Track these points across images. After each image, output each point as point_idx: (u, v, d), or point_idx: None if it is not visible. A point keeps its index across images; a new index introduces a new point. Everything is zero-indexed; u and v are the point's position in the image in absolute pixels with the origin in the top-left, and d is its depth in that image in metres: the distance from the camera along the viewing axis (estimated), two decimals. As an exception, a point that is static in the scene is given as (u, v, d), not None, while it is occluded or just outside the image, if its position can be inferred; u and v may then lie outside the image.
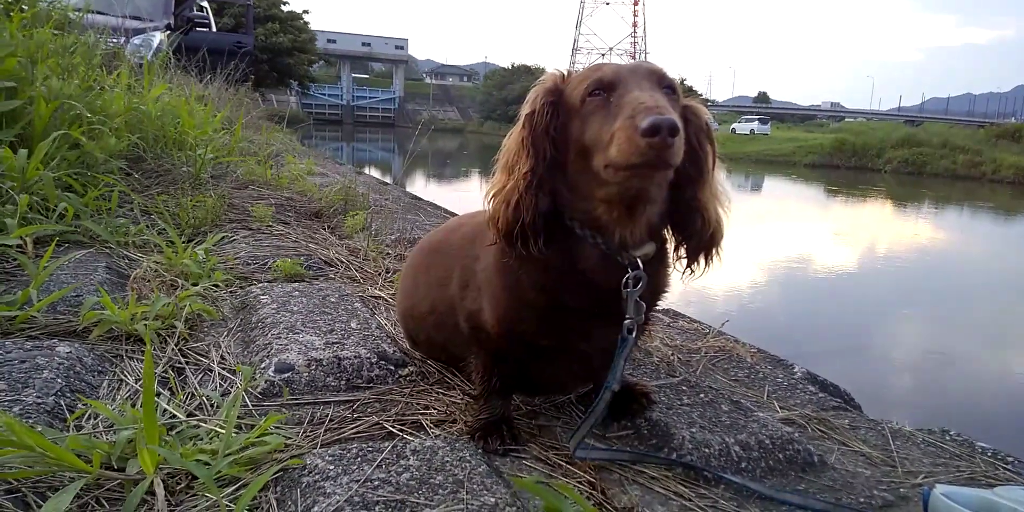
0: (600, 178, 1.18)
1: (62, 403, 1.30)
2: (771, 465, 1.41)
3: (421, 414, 1.50)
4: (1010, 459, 1.60)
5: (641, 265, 1.27)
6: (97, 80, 3.72)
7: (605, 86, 1.18)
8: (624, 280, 1.27)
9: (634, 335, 1.32)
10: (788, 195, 19.91)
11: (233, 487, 1.12)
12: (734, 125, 54.69)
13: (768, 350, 2.31)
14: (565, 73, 1.32)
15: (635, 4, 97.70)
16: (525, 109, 1.28)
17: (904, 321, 6.05)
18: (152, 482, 1.04)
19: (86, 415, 1.31)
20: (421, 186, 14.60)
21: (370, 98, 78.36)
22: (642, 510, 1.20)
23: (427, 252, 1.70)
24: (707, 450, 1.38)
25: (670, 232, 1.36)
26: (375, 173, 11.85)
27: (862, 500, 1.34)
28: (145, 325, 1.73)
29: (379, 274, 2.60)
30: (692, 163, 1.25)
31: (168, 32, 7.55)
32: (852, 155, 29.92)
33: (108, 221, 2.61)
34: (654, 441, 1.45)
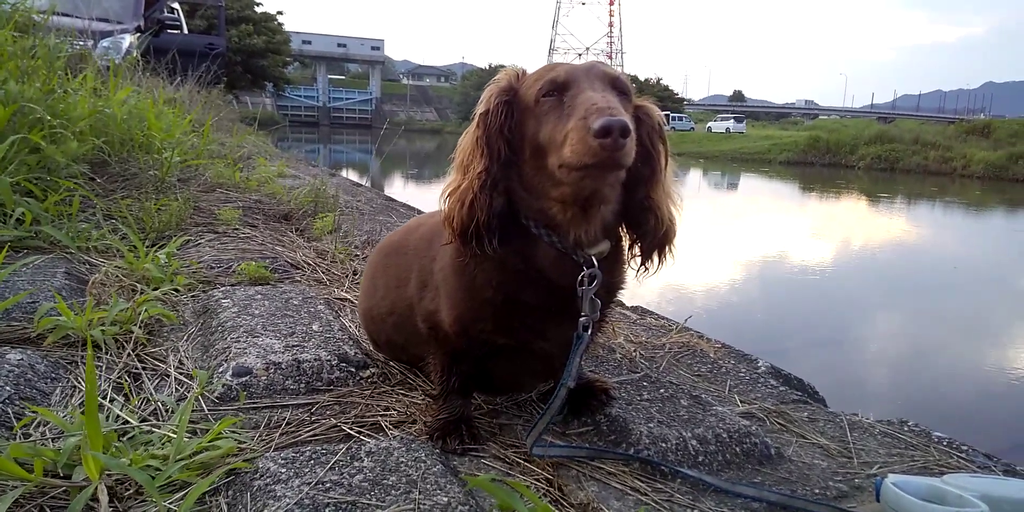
0: (555, 178, 1.19)
1: (9, 411, 1.28)
2: (728, 458, 1.42)
3: (381, 416, 1.49)
4: (964, 448, 1.63)
5: (596, 263, 1.28)
6: (60, 83, 3.66)
7: (559, 86, 1.19)
8: (579, 278, 1.28)
9: (589, 332, 1.32)
10: (763, 192, 20.11)
11: (183, 492, 1.10)
12: (710, 124, 55.15)
13: (741, 346, 2.32)
14: (520, 72, 1.32)
15: (611, 4, 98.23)
16: (480, 108, 1.28)
17: (874, 316, 6.13)
18: (96, 489, 1.02)
19: (35, 423, 1.29)
20: (398, 187, 14.55)
21: (346, 99, 77.93)
22: (598, 506, 1.21)
23: (386, 253, 1.70)
24: (664, 444, 1.39)
25: (624, 230, 1.37)
26: (352, 175, 11.80)
27: (817, 491, 1.36)
28: (102, 331, 1.70)
29: (346, 276, 2.58)
30: (645, 163, 1.27)
31: (138, 34, 7.45)
32: (826, 152, 30.26)
33: (69, 226, 2.57)
34: (613, 437, 1.45)
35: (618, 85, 1.22)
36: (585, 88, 1.16)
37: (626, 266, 1.41)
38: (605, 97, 1.13)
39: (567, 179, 1.16)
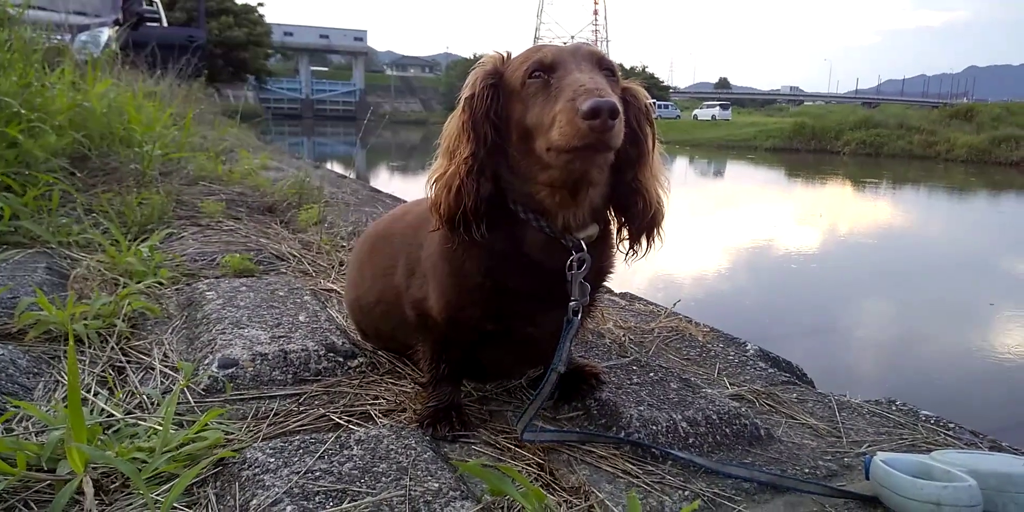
0: (543, 161, 1.17)
1: (-10, 406, 1.26)
2: (718, 440, 1.42)
3: (370, 405, 1.48)
4: (951, 425, 1.64)
5: (585, 247, 1.27)
6: (37, 77, 3.60)
7: (545, 68, 1.17)
8: (568, 262, 1.27)
9: (579, 317, 1.32)
10: (749, 179, 20.18)
11: (170, 484, 1.09)
12: (696, 111, 55.18)
13: (730, 331, 2.33)
14: (505, 55, 1.31)
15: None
16: (465, 92, 1.26)
17: (860, 301, 6.17)
18: (81, 482, 1.01)
19: (17, 418, 1.27)
20: (384, 179, 14.47)
21: (330, 91, 77.26)
22: (589, 489, 1.21)
23: (372, 241, 1.68)
24: (655, 427, 1.39)
25: (612, 214, 1.36)
26: (336, 167, 11.72)
27: (807, 471, 1.37)
28: (84, 325, 1.68)
29: (332, 267, 2.57)
30: (633, 145, 1.26)
31: (116, 27, 7.34)
32: (811, 138, 30.32)
33: (49, 221, 2.53)
34: (603, 421, 1.45)
35: (604, 65, 1.21)
36: (572, 69, 1.15)
37: (614, 250, 1.40)
38: (593, 78, 1.12)
39: (555, 162, 1.15)
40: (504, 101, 1.24)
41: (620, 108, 1.06)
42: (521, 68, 1.20)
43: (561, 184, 1.21)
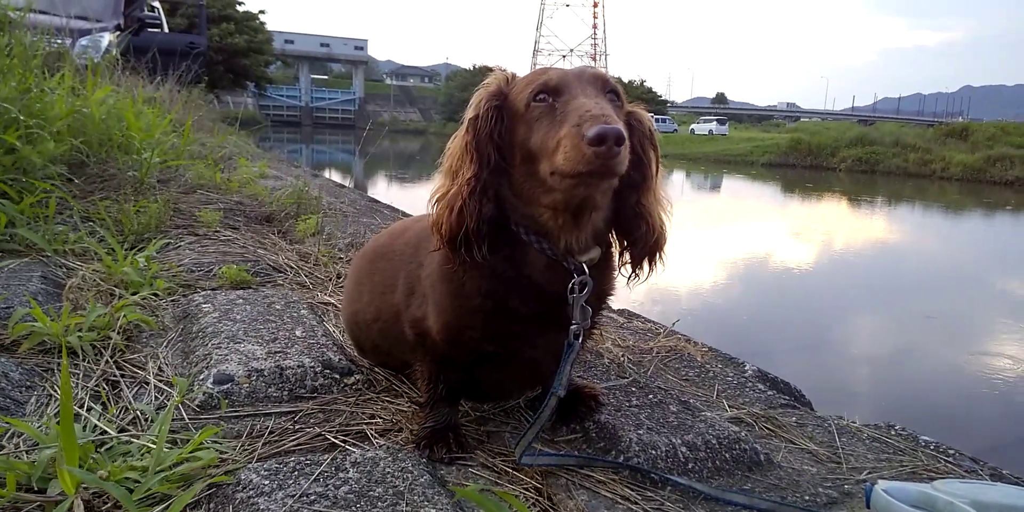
0: (546, 184, 1.17)
1: (-19, 422, 1.24)
2: (718, 465, 1.41)
3: (366, 424, 1.47)
4: (951, 452, 1.63)
5: (587, 270, 1.26)
6: (36, 82, 3.59)
7: (550, 91, 1.17)
8: (570, 285, 1.26)
9: (580, 340, 1.31)
10: (746, 195, 20.24)
11: (163, 505, 1.07)
12: (693, 126, 55.41)
13: (726, 348, 2.32)
14: (510, 76, 1.30)
15: (595, 6, 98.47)
16: (469, 113, 1.25)
17: (858, 318, 6.18)
18: (72, 504, 0.99)
19: (8, 433, 1.25)
20: (382, 189, 14.46)
21: (329, 99, 77.53)
22: (588, 515, 1.19)
23: (371, 258, 1.67)
24: (654, 451, 1.38)
25: (615, 236, 1.35)
26: (334, 176, 11.70)
27: (807, 498, 1.35)
28: (79, 337, 1.66)
29: (329, 279, 2.55)
30: (636, 169, 1.25)
31: (117, 33, 7.35)
32: (807, 154, 30.48)
33: (45, 229, 2.51)
34: (602, 444, 1.44)
35: (609, 88, 1.21)
36: (578, 93, 1.14)
37: (616, 273, 1.40)
38: (599, 103, 1.11)
39: (559, 186, 1.14)
40: (508, 123, 1.23)
41: (625, 135, 1.05)
42: (526, 90, 1.20)
43: (564, 207, 1.20)
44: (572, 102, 1.12)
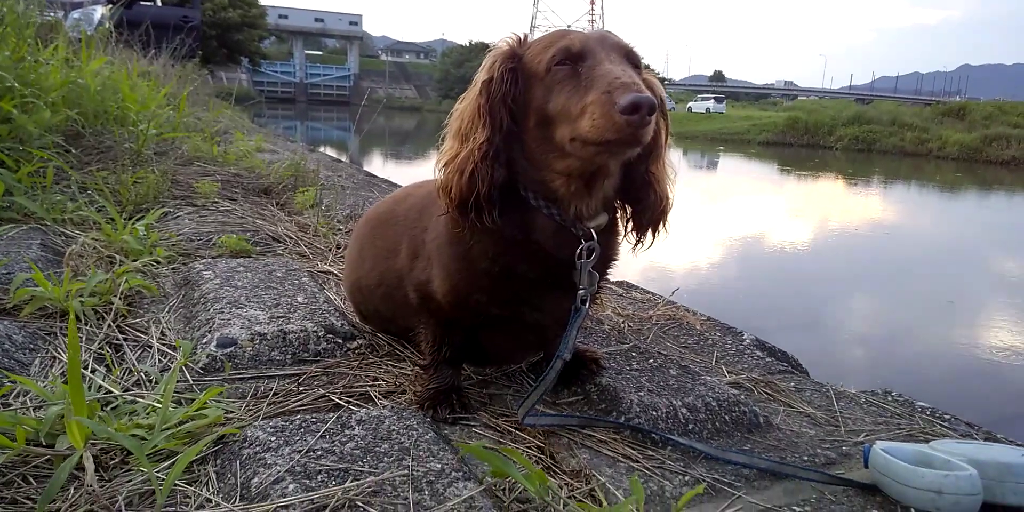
0: (562, 150, 1.16)
1: (-13, 381, 1.25)
2: (717, 426, 1.43)
3: (370, 386, 1.48)
4: (947, 416, 1.65)
5: (595, 236, 1.26)
6: (30, 52, 3.54)
7: (573, 56, 1.14)
8: (578, 251, 1.26)
9: (587, 305, 1.31)
10: (742, 172, 20.20)
11: (170, 461, 1.08)
12: (690, 104, 55.09)
13: (725, 321, 2.33)
14: (522, 37, 1.28)
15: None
16: (482, 75, 1.23)
17: (855, 294, 6.21)
18: (81, 457, 1.00)
19: (14, 392, 1.26)
20: (378, 164, 14.39)
21: (324, 75, 76.76)
22: (590, 472, 1.21)
23: (373, 224, 1.67)
24: (655, 413, 1.39)
25: (621, 203, 1.35)
26: (330, 152, 11.63)
27: (805, 458, 1.37)
28: (81, 301, 1.66)
29: (329, 250, 2.55)
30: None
31: (110, 6, 7.24)
32: (805, 133, 30.35)
33: (43, 197, 2.50)
34: (603, 406, 1.45)
35: (632, 58, 1.19)
36: (603, 59, 1.12)
37: (620, 239, 1.40)
38: (626, 71, 1.10)
39: (579, 152, 1.13)
40: (523, 86, 1.21)
41: (656, 104, 1.04)
42: (546, 53, 1.17)
43: (579, 174, 1.20)
44: (598, 68, 1.10)
